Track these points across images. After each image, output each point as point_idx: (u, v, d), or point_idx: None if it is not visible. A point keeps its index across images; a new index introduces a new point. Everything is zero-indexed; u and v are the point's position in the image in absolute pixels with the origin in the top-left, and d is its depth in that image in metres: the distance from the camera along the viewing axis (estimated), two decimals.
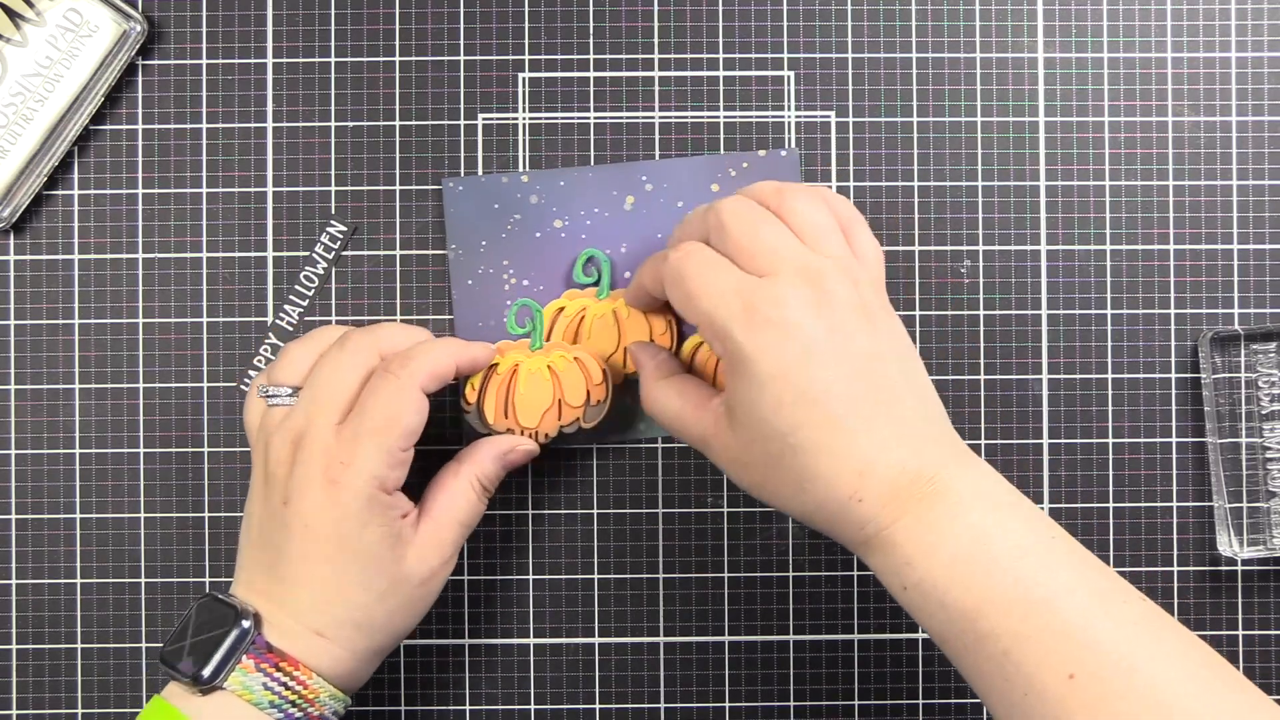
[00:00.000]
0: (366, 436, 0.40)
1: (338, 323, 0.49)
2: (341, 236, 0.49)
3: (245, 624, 0.39)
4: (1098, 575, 0.37)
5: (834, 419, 0.37)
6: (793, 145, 0.49)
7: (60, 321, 0.49)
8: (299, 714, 0.39)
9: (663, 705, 0.49)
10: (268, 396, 0.43)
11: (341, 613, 0.40)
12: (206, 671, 0.39)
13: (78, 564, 0.49)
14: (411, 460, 0.41)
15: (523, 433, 0.46)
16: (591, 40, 0.49)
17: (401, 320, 0.49)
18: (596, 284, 0.48)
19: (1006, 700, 0.36)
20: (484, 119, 0.49)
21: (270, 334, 0.49)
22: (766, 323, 0.37)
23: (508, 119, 0.49)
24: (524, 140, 0.49)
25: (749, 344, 0.37)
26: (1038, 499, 0.49)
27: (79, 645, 0.48)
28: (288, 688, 0.39)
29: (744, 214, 0.40)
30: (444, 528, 0.42)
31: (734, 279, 0.39)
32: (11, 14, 0.47)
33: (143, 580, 0.49)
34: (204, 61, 0.49)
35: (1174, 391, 0.49)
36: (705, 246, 0.40)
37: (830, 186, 0.49)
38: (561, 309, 0.48)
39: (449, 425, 0.49)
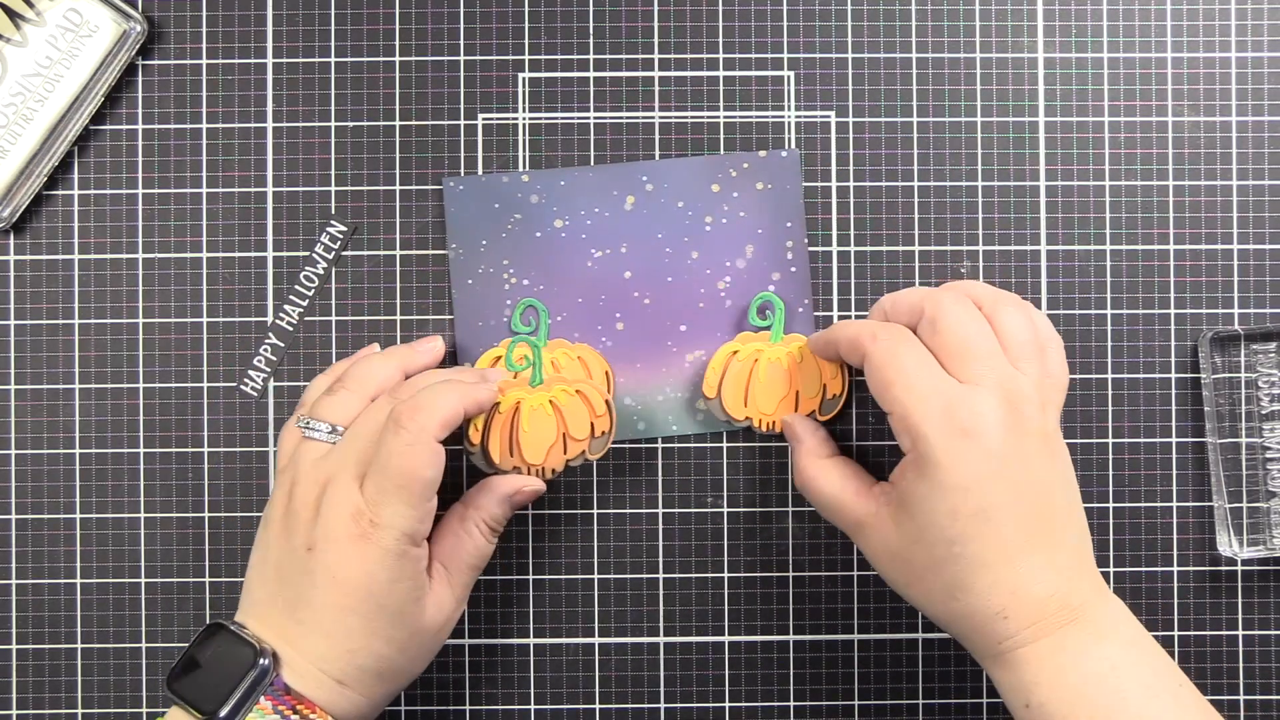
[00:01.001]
0: (391, 494, 0.40)
1: (338, 324, 0.49)
2: (341, 236, 0.49)
3: (264, 663, 0.39)
4: None
5: (1002, 539, 0.39)
6: (793, 146, 0.49)
7: (60, 321, 0.49)
8: None
9: (663, 705, 0.49)
10: (305, 428, 0.43)
11: (366, 662, 0.40)
12: (224, 711, 0.39)
13: (78, 564, 0.49)
14: (435, 507, 0.41)
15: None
16: (591, 40, 0.49)
17: (401, 320, 0.49)
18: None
19: None
20: (484, 119, 0.49)
21: (270, 334, 0.49)
22: (962, 433, 0.39)
23: (508, 119, 0.49)
24: (524, 140, 0.49)
25: (941, 450, 0.39)
26: None
27: (79, 645, 0.48)
28: None
29: (962, 317, 0.41)
30: (457, 574, 0.43)
31: (937, 381, 0.40)
32: (11, 14, 0.47)
33: (143, 580, 0.49)
34: (204, 61, 0.49)
35: (1174, 391, 0.49)
36: (912, 337, 0.41)
37: (830, 186, 0.49)
38: (495, 405, 0.46)
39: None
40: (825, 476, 0.44)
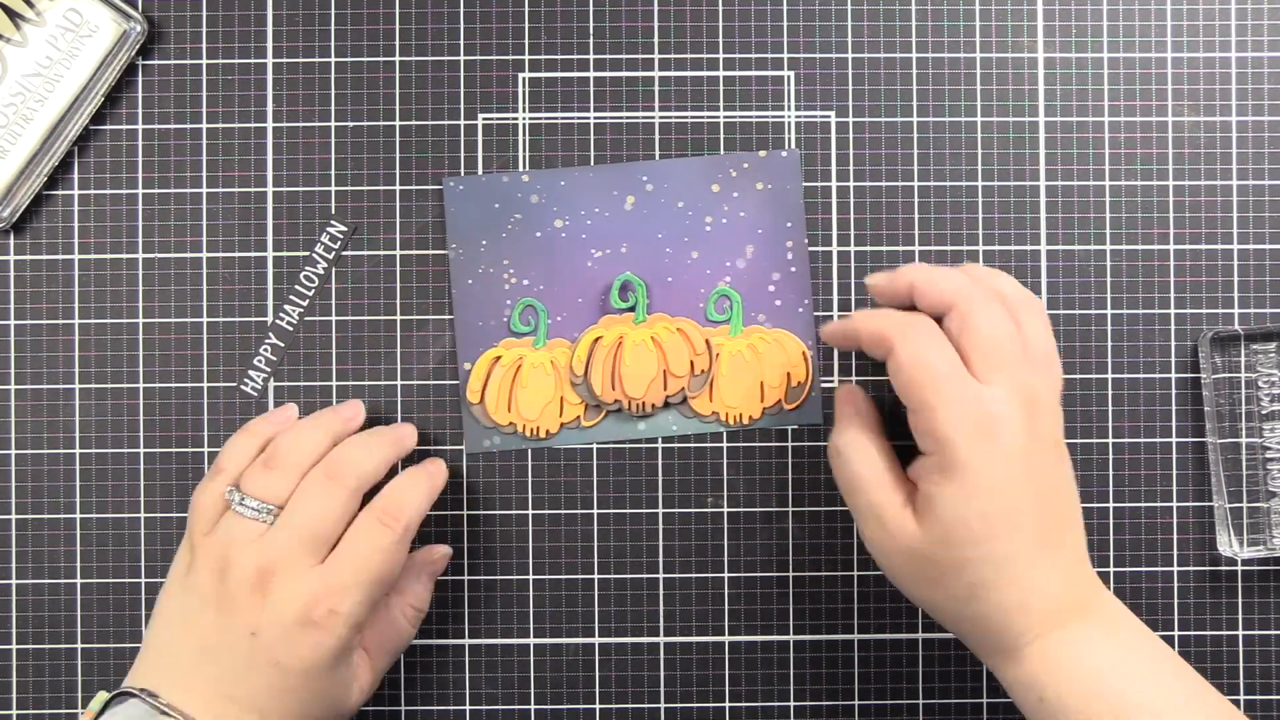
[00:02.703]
0: (362, 588, 0.41)
1: (338, 323, 0.49)
2: (341, 236, 0.49)
3: None
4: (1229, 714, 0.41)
5: (1026, 539, 0.40)
6: (793, 146, 0.49)
7: (60, 321, 0.49)
8: None
9: (663, 705, 0.49)
10: (237, 503, 0.42)
11: None
12: None
13: (78, 564, 0.49)
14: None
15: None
16: (591, 40, 0.49)
17: (401, 320, 0.49)
18: (633, 309, 0.48)
19: None
20: (484, 119, 0.49)
21: (270, 334, 0.49)
22: (987, 436, 0.39)
23: (508, 119, 0.49)
24: (524, 140, 0.49)
25: (968, 454, 0.39)
26: None
27: (79, 645, 0.48)
28: None
29: (994, 319, 0.41)
30: (380, 658, 0.45)
31: (964, 386, 0.40)
32: (11, 14, 0.47)
33: (143, 580, 0.49)
34: (204, 61, 0.49)
35: (1174, 391, 0.49)
36: (940, 335, 0.41)
37: (830, 186, 0.49)
38: (599, 337, 0.48)
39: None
40: (863, 453, 0.43)
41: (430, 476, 0.45)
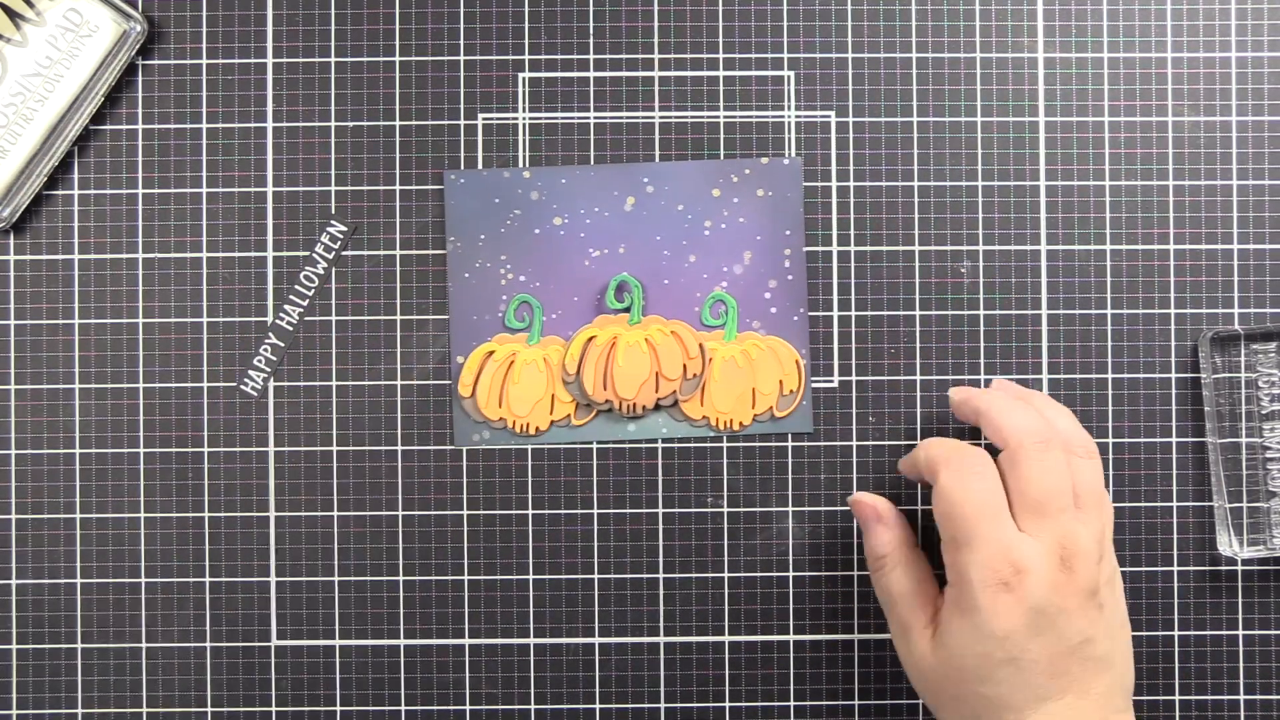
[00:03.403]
0: None
1: (338, 323, 0.49)
2: (341, 236, 0.49)
3: None
4: None
5: (1030, 686, 0.40)
6: (795, 154, 0.49)
7: (60, 321, 0.49)
8: None
9: (663, 705, 0.49)
10: None
11: None
12: None
13: (78, 564, 0.49)
14: None
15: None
16: (591, 40, 0.49)
17: (400, 320, 0.49)
18: (628, 310, 0.48)
19: None
20: (484, 119, 0.49)
21: (270, 334, 0.49)
22: (1005, 586, 0.39)
23: (508, 119, 0.49)
24: (524, 140, 0.49)
25: (982, 598, 0.39)
26: None
27: (79, 645, 0.48)
28: None
29: (1048, 469, 0.41)
30: None
31: (995, 529, 0.40)
32: (11, 14, 0.47)
33: (143, 580, 0.49)
34: (204, 61, 0.49)
35: (1174, 391, 0.49)
36: (987, 470, 0.41)
37: (830, 186, 0.49)
38: (592, 337, 0.48)
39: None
40: (905, 570, 0.44)
41: None
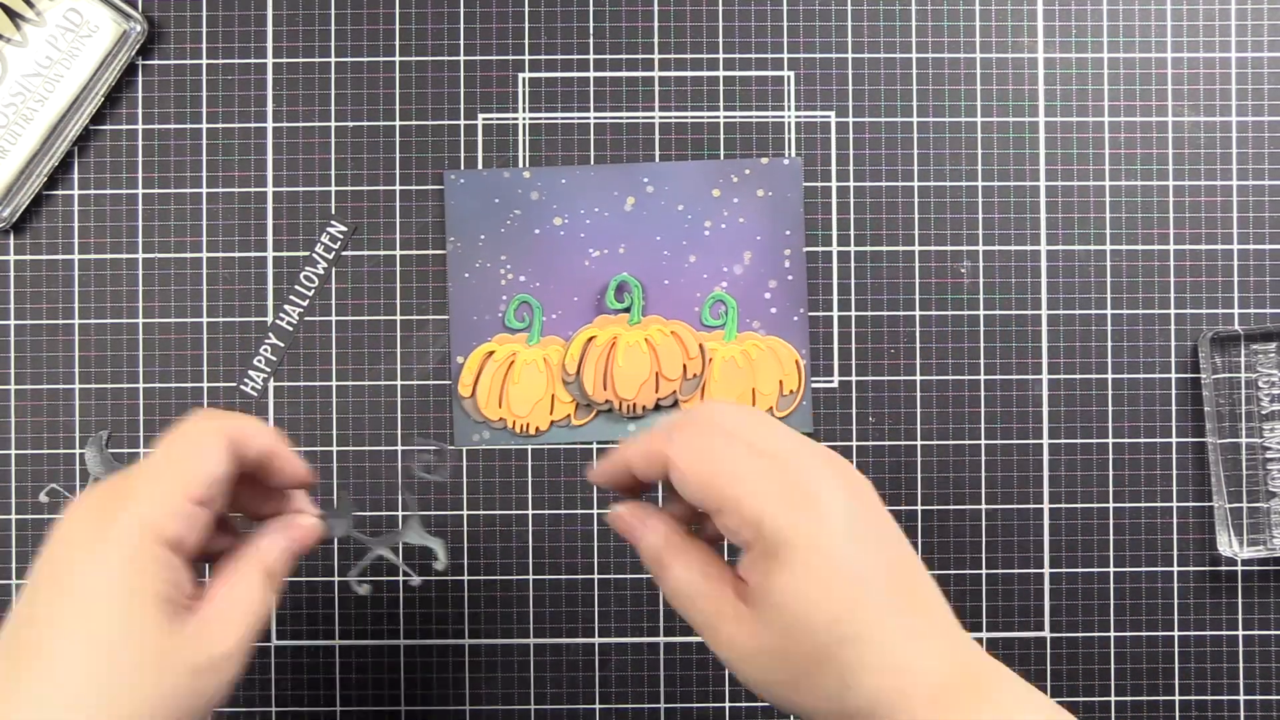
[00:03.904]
0: (148, 473, 0.33)
1: (338, 323, 0.49)
2: (341, 236, 0.49)
3: None
4: None
5: (880, 606, 0.34)
6: (795, 154, 0.49)
7: (60, 321, 0.49)
8: None
9: (663, 705, 0.49)
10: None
11: (92, 708, 0.31)
12: None
13: None
14: (206, 527, 0.34)
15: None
16: (591, 40, 0.49)
17: (400, 320, 0.49)
18: (628, 309, 0.48)
19: None
20: (484, 119, 0.49)
21: (270, 334, 0.49)
22: (805, 499, 0.34)
23: (508, 119, 0.49)
24: (524, 140, 0.49)
25: (789, 525, 0.34)
26: (1038, 499, 0.49)
27: None
28: None
29: (727, 409, 0.36)
30: (229, 612, 0.34)
31: (758, 459, 0.35)
32: (11, 14, 0.47)
33: None
34: (204, 61, 0.49)
35: (1174, 391, 0.49)
36: (715, 422, 0.36)
37: (830, 186, 0.49)
38: (592, 337, 0.48)
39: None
40: (688, 560, 0.37)
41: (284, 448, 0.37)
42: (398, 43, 0.49)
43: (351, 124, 0.49)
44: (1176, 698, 0.48)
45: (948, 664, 0.35)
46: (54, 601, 0.32)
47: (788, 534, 0.34)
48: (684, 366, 0.48)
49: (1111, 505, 0.49)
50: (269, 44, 0.49)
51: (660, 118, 0.49)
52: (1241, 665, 0.48)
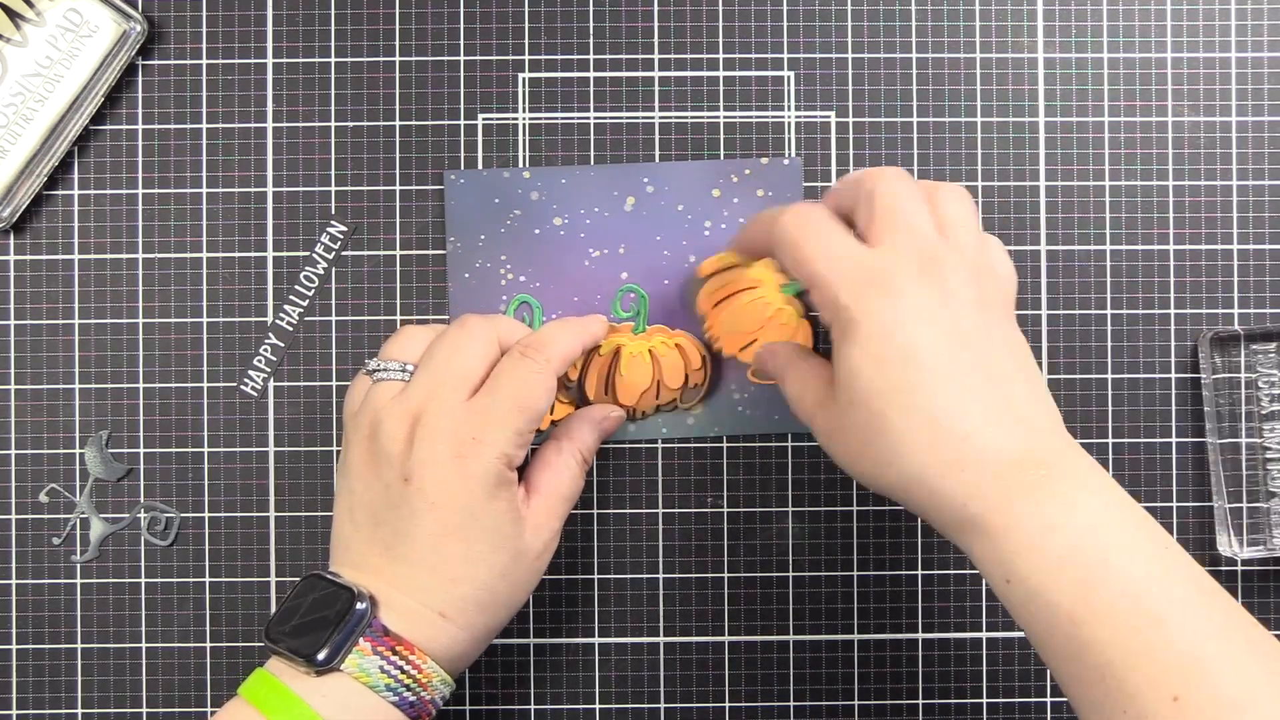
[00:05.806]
0: (501, 415, 0.40)
1: (338, 323, 0.49)
2: (341, 236, 0.49)
3: (361, 606, 0.38)
4: (1211, 595, 0.35)
5: (935, 382, 0.36)
6: (795, 154, 0.49)
7: (60, 321, 0.49)
8: (413, 697, 0.39)
9: (663, 705, 0.49)
10: (376, 371, 0.42)
11: (468, 591, 0.40)
12: (323, 654, 0.38)
13: (77, 564, 0.49)
14: (532, 440, 0.41)
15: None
16: (591, 40, 0.49)
17: (401, 320, 0.49)
18: (633, 318, 0.48)
19: (1103, 715, 0.34)
20: (484, 119, 0.49)
21: (270, 334, 0.49)
22: (872, 285, 0.37)
23: (508, 119, 0.49)
24: (524, 140, 0.49)
25: (856, 307, 0.37)
26: None
27: (79, 645, 0.48)
28: (404, 671, 0.39)
29: (900, 190, 0.38)
30: (553, 502, 0.42)
31: (850, 246, 0.38)
32: (11, 14, 0.47)
33: (143, 580, 0.49)
34: (204, 61, 0.49)
35: (1174, 391, 0.49)
36: (822, 209, 0.40)
37: (830, 186, 0.49)
38: (596, 345, 0.48)
39: None
40: (782, 346, 0.44)
41: (584, 324, 0.45)
42: (398, 43, 0.49)
43: (351, 124, 0.49)
44: None
45: (1016, 444, 0.36)
46: (432, 518, 0.39)
47: (854, 314, 0.37)
48: (686, 377, 0.47)
49: None
50: (269, 44, 0.49)
51: (660, 118, 0.49)
52: None
